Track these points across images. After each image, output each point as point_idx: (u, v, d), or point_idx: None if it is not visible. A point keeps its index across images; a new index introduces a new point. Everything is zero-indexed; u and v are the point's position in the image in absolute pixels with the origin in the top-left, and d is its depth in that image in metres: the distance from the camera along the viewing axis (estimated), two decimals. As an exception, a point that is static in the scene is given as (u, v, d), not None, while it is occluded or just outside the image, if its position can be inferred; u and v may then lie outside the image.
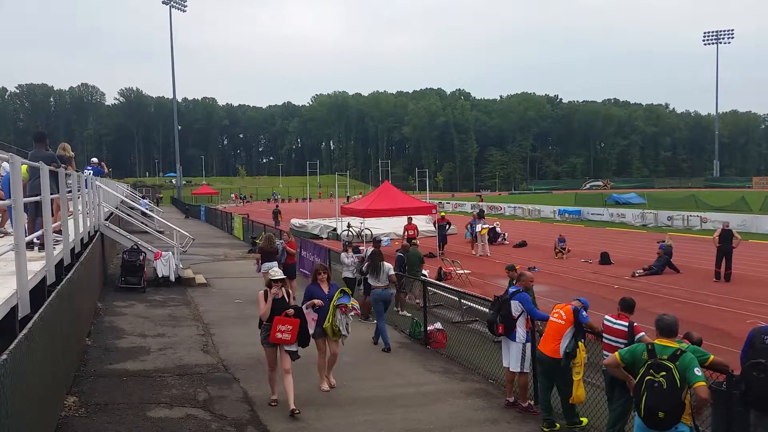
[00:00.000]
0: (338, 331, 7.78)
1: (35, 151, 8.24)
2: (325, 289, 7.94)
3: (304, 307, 7.67)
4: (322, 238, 28.78)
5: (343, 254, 13.49)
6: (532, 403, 7.54)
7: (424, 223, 30.84)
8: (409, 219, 23.29)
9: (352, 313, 8.00)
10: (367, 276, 11.32)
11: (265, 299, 7.21)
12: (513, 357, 7.59)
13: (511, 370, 7.62)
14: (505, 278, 12.40)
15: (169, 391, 7.70)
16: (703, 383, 4.69)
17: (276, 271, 7.48)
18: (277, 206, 47.16)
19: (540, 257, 22.73)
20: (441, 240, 23.95)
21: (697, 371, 4.72)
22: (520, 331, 7.56)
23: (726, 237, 17.39)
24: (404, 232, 22.60)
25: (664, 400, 4.72)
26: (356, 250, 13.90)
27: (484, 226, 26.10)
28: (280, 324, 7.06)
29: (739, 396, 5.25)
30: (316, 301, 7.72)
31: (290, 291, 7.47)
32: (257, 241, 25.50)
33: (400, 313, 13.07)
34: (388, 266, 11.14)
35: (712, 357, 5.64)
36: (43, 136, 8.79)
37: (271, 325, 7.09)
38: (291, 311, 7.17)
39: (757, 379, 5.14)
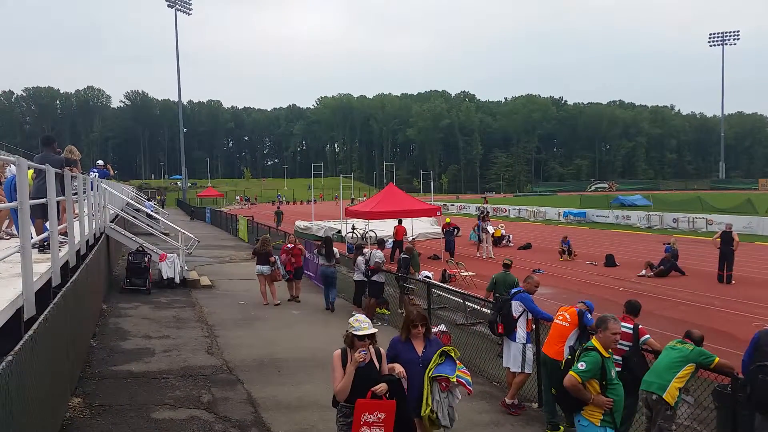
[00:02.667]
0: (436, 420, 4.90)
1: (43, 154, 8.28)
2: (419, 348, 5.05)
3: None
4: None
5: (360, 258, 13.43)
6: (515, 402, 7.54)
7: (428, 225, 30.85)
8: (399, 221, 23.27)
9: (459, 393, 5.01)
10: (322, 260, 14.11)
11: (343, 366, 4.59)
12: (512, 358, 7.60)
13: (511, 370, 7.63)
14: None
15: (173, 392, 7.71)
16: (573, 374, 4.79)
17: (361, 321, 4.65)
18: (278, 207, 47.34)
19: (545, 259, 22.68)
20: (448, 246, 23.26)
21: (580, 365, 4.80)
22: (521, 332, 7.56)
23: (726, 239, 17.33)
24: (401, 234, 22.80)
25: (557, 379, 5.10)
26: (361, 250, 13.96)
27: (498, 228, 26.27)
28: (366, 412, 4.45)
29: (744, 399, 5.23)
30: (397, 368, 4.78)
31: (381, 351, 4.80)
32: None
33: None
34: (337, 251, 14.41)
35: (717, 359, 5.63)
36: (50, 140, 8.84)
37: (352, 409, 4.49)
38: (382, 388, 4.50)
39: (762, 382, 5.12)
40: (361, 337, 4.54)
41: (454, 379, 4.83)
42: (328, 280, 13.98)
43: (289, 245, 14.98)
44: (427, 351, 5.02)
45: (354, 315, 4.85)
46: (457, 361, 5.01)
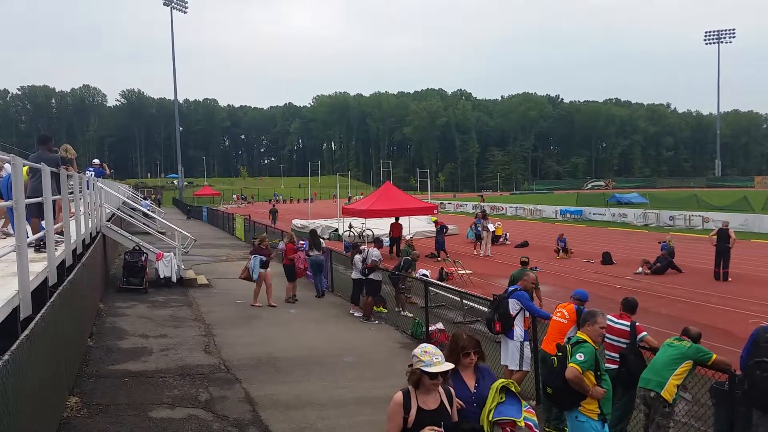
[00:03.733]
0: None
1: (39, 152, 8.25)
2: (470, 382, 3.97)
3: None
4: (323, 239, 28.79)
5: (357, 257, 13.43)
6: None
7: (425, 224, 30.86)
8: (396, 219, 23.38)
9: None
10: (310, 250, 15.14)
11: (405, 414, 3.50)
12: (510, 355, 7.60)
13: (509, 368, 7.64)
14: (507, 278, 12.38)
15: (170, 391, 7.70)
16: (575, 365, 4.80)
17: (432, 353, 3.52)
18: (273, 206, 47.42)
19: (542, 257, 22.69)
20: (437, 245, 23.01)
21: (579, 356, 4.84)
22: (518, 330, 7.57)
23: (723, 236, 17.37)
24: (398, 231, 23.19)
25: (551, 377, 5.06)
26: (358, 248, 13.97)
27: (498, 226, 26.53)
28: None
29: (741, 395, 5.24)
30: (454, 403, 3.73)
31: (452, 391, 3.73)
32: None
33: (402, 313, 13.07)
34: (322, 241, 15.88)
35: (714, 356, 5.64)
36: (46, 138, 8.81)
37: None
38: None
39: (760, 378, 5.13)
40: (434, 375, 3.43)
41: (522, 423, 3.76)
42: (318, 267, 15.30)
43: (302, 242, 15.11)
44: (481, 386, 3.90)
45: (421, 345, 3.61)
46: (522, 402, 3.93)
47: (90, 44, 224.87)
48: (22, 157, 5.80)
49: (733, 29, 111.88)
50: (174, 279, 15.83)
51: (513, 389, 3.95)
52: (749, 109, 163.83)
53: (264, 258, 14.08)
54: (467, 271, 17.83)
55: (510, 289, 7.96)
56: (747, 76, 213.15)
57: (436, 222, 24.43)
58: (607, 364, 6.39)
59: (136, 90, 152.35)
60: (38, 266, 6.30)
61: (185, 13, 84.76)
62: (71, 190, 9.76)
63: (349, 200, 58.87)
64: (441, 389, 3.58)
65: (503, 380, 4.03)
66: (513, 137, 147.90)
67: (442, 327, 10.98)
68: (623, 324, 6.58)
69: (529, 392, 7.94)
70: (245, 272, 14.11)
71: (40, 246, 7.35)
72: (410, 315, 12.70)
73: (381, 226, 26.94)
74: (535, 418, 3.94)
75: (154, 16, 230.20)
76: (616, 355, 6.43)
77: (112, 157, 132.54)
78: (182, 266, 16.55)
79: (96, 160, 18.24)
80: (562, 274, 19.12)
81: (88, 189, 12.37)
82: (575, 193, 76.67)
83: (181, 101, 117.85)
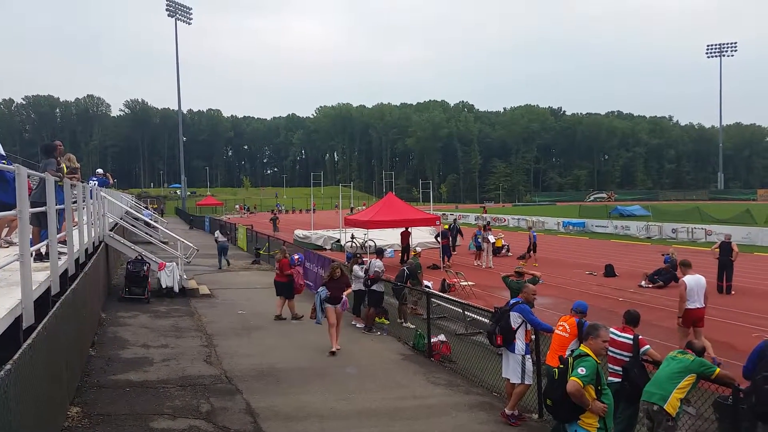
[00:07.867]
0: None
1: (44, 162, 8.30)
2: None
3: None
4: (325, 249, 28.79)
5: (356, 267, 13.40)
6: (516, 413, 7.49)
7: (427, 235, 30.80)
8: (406, 228, 23.72)
9: None
10: (219, 236, 23.43)
11: None
12: (512, 369, 7.56)
13: (511, 381, 7.60)
14: (509, 291, 12.34)
15: (172, 402, 7.67)
16: (576, 379, 4.79)
17: None
18: (275, 214, 47.83)
19: (544, 269, 22.63)
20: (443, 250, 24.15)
21: (580, 370, 4.82)
22: (519, 344, 7.52)
23: (725, 249, 17.33)
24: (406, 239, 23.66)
25: (551, 389, 5.08)
26: (356, 259, 13.96)
27: (498, 237, 26.64)
28: None
29: (748, 409, 5.20)
30: None
31: None
32: (260, 251, 25.55)
33: (404, 324, 13.03)
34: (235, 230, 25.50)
35: (717, 370, 5.61)
36: (50, 148, 8.85)
37: None
38: None
39: None
40: None
41: None
42: (224, 250, 23.22)
43: (298, 256, 14.99)
44: None
45: None
46: None
47: (94, 54, 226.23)
48: (26, 167, 5.82)
49: (735, 43, 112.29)
50: (176, 289, 15.83)
51: None
52: (752, 122, 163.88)
53: (327, 294, 11.04)
54: (469, 283, 17.79)
55: (512, 302, 7.91)
56: (749, 90, 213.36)
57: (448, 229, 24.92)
58: (609, 378, 6.37)
59: (140, 100, 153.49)
60: (41, 275, 6.31)
61: (189, 24, 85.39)
62: (74, 200, 9.79)
63: (352, 211, 58.86)
64: None
65: None
66: (515, 149, 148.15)
67: (444, 339, 10.95)
68: (626, 337, 6.55)
69: (531, 405, 7.91)
70: (312, 314, 11.24)
71: (40, 255, 7.37)
72: (412, 326, 12.66)
73: (383, 237, 26.90)
74: None
75: (159, 27, 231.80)
76: (619, 369, 6.41)
77: (115, 166, 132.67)
78: (184, 276, 16.56)
79: (99, 170, 18.30)
80: (564, 286, 19.07)
81: (91, 198, 12.40)
82: (577, 205, 76.60)
83: (184, 111, 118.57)
